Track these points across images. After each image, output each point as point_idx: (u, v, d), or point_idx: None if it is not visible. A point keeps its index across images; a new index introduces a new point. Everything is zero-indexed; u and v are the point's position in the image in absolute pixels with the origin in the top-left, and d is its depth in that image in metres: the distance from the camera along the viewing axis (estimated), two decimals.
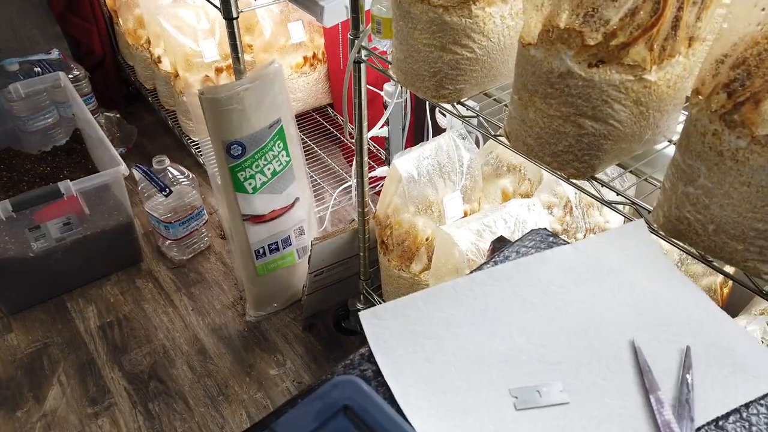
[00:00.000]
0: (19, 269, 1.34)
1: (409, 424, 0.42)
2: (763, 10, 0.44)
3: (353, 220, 1.55)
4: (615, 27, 0.54)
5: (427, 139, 1.31)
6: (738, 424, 0.42)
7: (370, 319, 0.50)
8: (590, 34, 0.55)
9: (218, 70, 1.60)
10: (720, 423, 0.42)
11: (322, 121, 1.84)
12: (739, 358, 0.46)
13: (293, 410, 0.38)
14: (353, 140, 1.03)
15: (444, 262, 0.93)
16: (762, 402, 0.43)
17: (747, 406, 0.43)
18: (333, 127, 1.82)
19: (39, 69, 1.80)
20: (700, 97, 0.50)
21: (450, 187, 1.05)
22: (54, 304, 1.41)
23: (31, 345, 1.33)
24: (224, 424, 1.16)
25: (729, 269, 0.56)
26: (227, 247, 1.55)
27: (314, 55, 1.63)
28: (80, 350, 1.32)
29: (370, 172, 1.18)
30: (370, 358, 0.47)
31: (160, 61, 1.70)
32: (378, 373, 0.46)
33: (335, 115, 1.80)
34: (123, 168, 1.34)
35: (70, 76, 1.80)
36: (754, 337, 0.54)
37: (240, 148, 1.12)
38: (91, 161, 1.71)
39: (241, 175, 1.14)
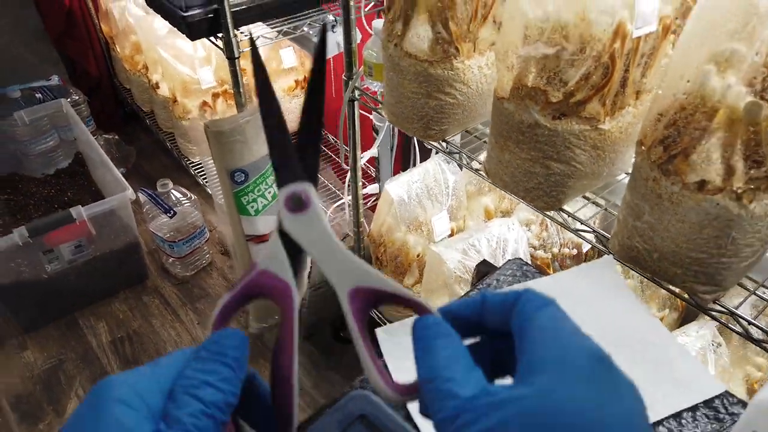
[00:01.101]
0: (34, 290, 1.42)
1: (418, 430, 0.52)
2: (688, 81, 0.55)
3: (347, 235, 1.65)
4: (573, 87, 0.64)
5: (414, 158, 1.41)
6: (668, 427, 0.52)
7: (384, 336, 0.59)
8: (553, 93, 0.65)
9: (215, 95, 1.68)
10: (656, 428, 0.52)
11: None
12: (677, 372, 0.57)
13: (319, 419, 0.48)
14: (347, 162, 1.13)
15: (434, 278, 1.03)
16: (690, 409, 0.53)
17: (678, 414, 0.53)
18: (324, 146, 1.91)
19: (40, 95, 1.87)
20: (643, 147, 0.60)
21: (437, 207, 1.15)
22: (66, 322, 1.50)
23: (47, 361, 1.41)
24: None
25: (675, 288, 0.67)
26: (228, 263, 1.64)
27: (305, 79, 1.72)
28: (94, 365, 1.40)
29: (362, 189, 1.28)
30: None
31: (158, 87, 1.78)
32: None
33: (326, 134, 1.89)
34: (130, 193, 1.42)
35: (70, 100, 1.88)
36: (692, 355, 0.64)
37: (243, 175, 1.21)
38: (94, 183, 1.79)
39: (244, 199, 1.24)
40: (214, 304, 1.54)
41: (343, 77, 0.99)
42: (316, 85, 0.32)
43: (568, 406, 0.22)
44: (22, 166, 1.81)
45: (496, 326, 0.28)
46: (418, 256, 1.15)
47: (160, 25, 1.73)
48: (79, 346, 1.44)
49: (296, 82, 1.72)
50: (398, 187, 1.11)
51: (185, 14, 1.14)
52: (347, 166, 1.13)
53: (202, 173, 1.82)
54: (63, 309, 1.50)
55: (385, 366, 0.57)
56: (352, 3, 0.93)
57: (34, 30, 2.04)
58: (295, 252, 0.32)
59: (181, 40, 1.65)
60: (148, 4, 1.27)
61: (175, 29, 1.22)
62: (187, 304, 1.54)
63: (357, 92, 0.99)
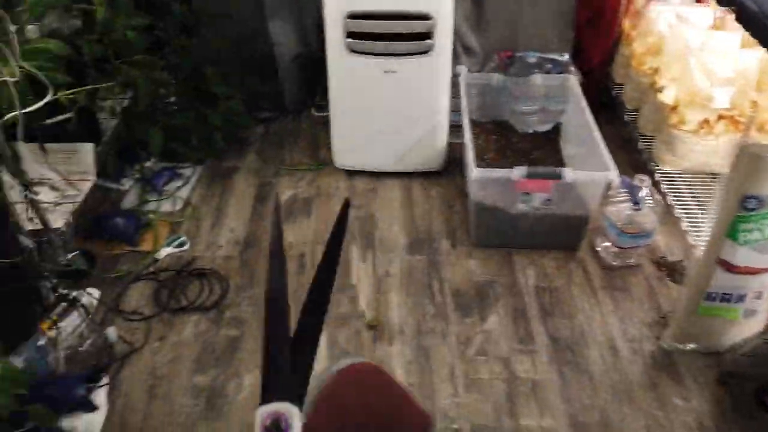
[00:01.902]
0: (501, 218, 1.70)
1: None
2: None
3: None
4: None
5: None
6: None
7: None
8: None
9: (720, 117, 1.68)
10: None
11: None
12: None
13: None
14: None
15: None
16: None
17: None
18: None
19: (550, 66, 2.16)
20: None
21: None
22: (505, 252, 1.76)
23: (483, 275, 1.69)
24: (624, 418, 1.32)
25: None
26: (657, 274, 1.68)
27: None
28: (517, 297, 1.62)
29: None
30: None
31: (660, 91, 1.86)
32: None
33: None
34: (613, 174, 1.56)
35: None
36: None
37: (756, 202, 1.21)
38: (560, 153, 2.01)
39: (743, 226, 1.24)
40: (631, 302, 1.61)
41: None
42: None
43: None
44: (512, 117, 2.14)
45: None
46: None
47: (691, 36, 1.79)
48: (509, 277, 1.69)
49: None
50: None
51: None
52: None
53: (666, 182, 1.84)
54: (507, 242, 1.77)
55: None
56: None
57: (561, 12, 2.32)
58: None
59: (714, 57, 1.68)
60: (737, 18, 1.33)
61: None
62: (607, 289, 1.64)
63: None
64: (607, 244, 1.70)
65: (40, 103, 1.27)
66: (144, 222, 1.80)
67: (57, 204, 1.59)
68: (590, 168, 1.66)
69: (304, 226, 1.86)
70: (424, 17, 1.69)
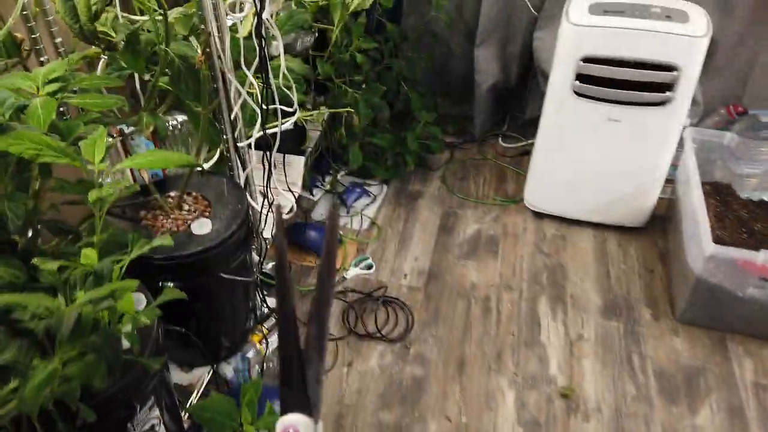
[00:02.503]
0: (722, 300, 1.51)
1: None
2: None
3: None
4: None
5: None
6: None
7: None
8: None
9: None
10: None
11: None
12: None
13: None
14: None
15: None
16: None
17: None
18: None
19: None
20: None
21: None
22: (718, 336, 1.57)
23: (692, 359, 1.52)
24: None
25: None
26: None
27: None
28: (733, 392, 1.44)
29: None
30: None
31: None
32: None
33: None
34: None
35: None
36: None
37: None
38: None
39: None
40: None
41: None
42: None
43: None
44: (733, 180, 1.92)
45: None
46: None
47: None
48: (724, 367, 1.50)
49: None
50: None
51: None
52: None
53: None
54: (723, 324, 1.57)
55: None
56: None
57: None
58: None
59: None
60: None
61: None
62: None
63: None
64: None
65: (289, 123, 1.29)
66: None
67: (272, 213, 1.63)
68: None
69: (489, 266, 1.79)
70: (668, 68, 1.54)
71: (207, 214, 1.17)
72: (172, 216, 1.15)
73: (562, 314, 1.64)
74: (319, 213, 1.95)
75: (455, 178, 2.15)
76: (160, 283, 1.06)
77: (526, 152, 2.23)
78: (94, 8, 0.95)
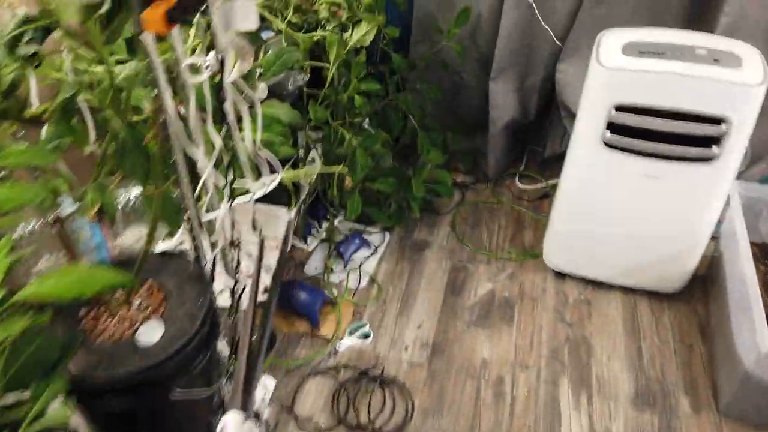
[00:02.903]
0: None
1: None
2: None
3: None
4: None
5: None
6: None
7: None
8: None
9: None
10: None
11: None
12: None
13: None
14: None
15: None
16: None
17: None
18: None
19: None
20: None
21: None
22: None
23: None
24: None
25: None
26: None
27: None
28: None
29: None
30: None
31: None
32: None
33: None
34: None
35: None
36: None
37: None
38: None
39: None
40: None
41: None
42: None
43: None
44: None
45: None
46: None
47: None
48: None
49: None
50: None
51: None
52: None
53: None
54: None
55: None
56: None
57: None
58: None
59: None
60: None
61: None
62: None
63: None
64: None
65: (271, 185, 1.08)
66: (327, 299, 1.60)
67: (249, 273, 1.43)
68: None
69: (503, 337, 1.57)
70: (716, 120, 1.31)
71: (162, 310, 0.96)
72: (118, 314, 0.94)
73: (586, 402, 1.42)
74: (313, 267, 1.74)
75: (466, 224, 1.92)
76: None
77: (546, 195, 2.01)
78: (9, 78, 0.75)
